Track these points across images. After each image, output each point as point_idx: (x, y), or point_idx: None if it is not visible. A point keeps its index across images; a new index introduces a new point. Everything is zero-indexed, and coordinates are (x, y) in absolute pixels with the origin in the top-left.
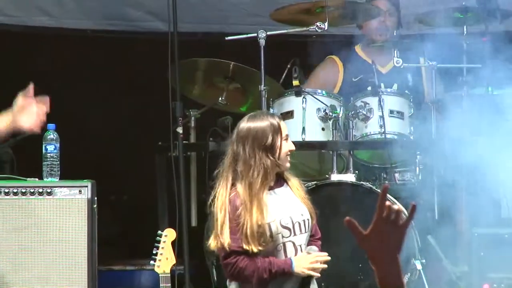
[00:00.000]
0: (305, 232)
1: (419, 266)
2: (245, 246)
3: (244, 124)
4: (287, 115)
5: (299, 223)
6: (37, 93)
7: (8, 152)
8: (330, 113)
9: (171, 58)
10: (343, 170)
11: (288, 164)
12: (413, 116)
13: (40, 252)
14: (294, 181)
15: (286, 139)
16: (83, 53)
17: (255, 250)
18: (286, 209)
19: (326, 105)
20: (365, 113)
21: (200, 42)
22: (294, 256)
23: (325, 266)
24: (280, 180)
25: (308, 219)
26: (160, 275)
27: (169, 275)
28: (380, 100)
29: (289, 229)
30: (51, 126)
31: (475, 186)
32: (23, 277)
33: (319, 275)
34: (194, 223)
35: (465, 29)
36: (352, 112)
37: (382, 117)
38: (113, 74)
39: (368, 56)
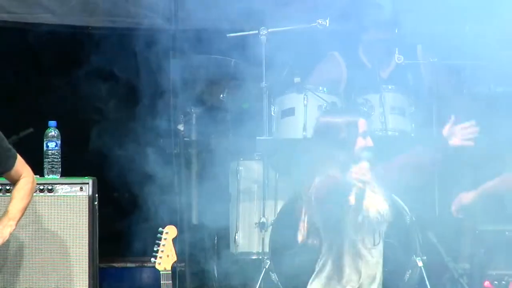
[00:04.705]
0: None
1: (420, 263)
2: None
3: (323, 119)
4: (289, 112)
5: None
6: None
7: None
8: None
9: (173, 55)
10: None
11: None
12: (414, 113)
13: (41, 249)
14: None
15: (363, 136)
16: (84, 50)
17: None
18: None
19: (327, 102)
20: (366, 109)
21: (201, 39)
22: None
23: None
24: None
25: None
26: (161, 272)
27: (170, 272)
28: (382, 97)
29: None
30: (52, 123)
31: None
32: (24, 274)
33: None
34: (195, 220)
35: None
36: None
37: (383, 114)
38: (115, 71)
39: (369, 61)
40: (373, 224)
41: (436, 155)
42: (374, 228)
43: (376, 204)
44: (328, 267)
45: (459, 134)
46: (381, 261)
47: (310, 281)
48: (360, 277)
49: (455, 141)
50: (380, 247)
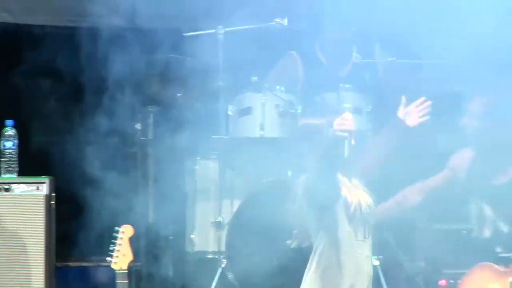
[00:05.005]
0: None
1: (376, 262)
2: None
3: (303, 121)
4: (246, 111)
5: None
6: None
7: None
8: (289, 109)
9: (128, 53)
10: None
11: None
12: (372, 112)
13: None
14: None
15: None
16: (42, 49)
17: None
18: None
19: (284, 100)
20: (323, 108)
21: (158, 38)
22: None
23: None
24: None
25: None
26: (116, 271)
27: (126, 271)
28: (339, 96)
29: None
30: (9, 122)
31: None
32: None
33: None
34: (151, 219)
35: None
36: (311, 108)
37: (340, 113)
38: (73, 70)
39: (327, 59)
40: (364, 215)
41: (391, 135)
42: (365, 220)
43: (363, 198)
44: (323, 262)
45: (414, 112)
46: (370, 254)
47: (304, 276)
48: (354, 271)
49: (411, 121)
50: (370, 241)
